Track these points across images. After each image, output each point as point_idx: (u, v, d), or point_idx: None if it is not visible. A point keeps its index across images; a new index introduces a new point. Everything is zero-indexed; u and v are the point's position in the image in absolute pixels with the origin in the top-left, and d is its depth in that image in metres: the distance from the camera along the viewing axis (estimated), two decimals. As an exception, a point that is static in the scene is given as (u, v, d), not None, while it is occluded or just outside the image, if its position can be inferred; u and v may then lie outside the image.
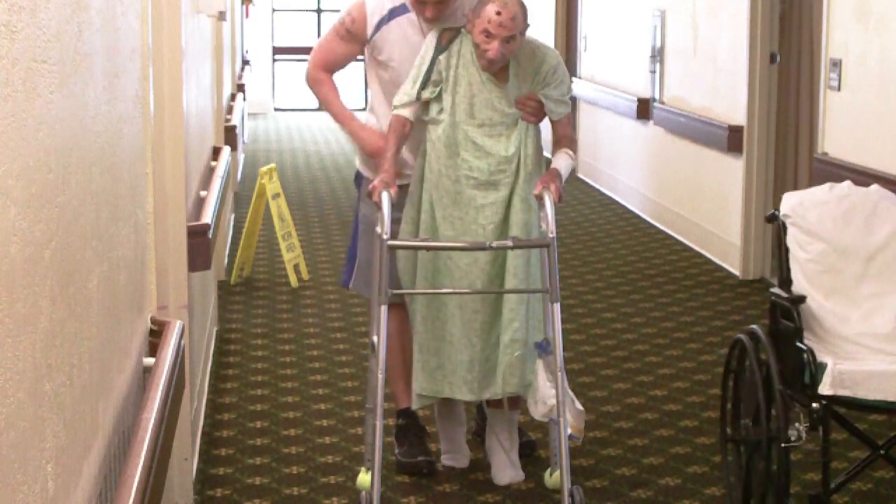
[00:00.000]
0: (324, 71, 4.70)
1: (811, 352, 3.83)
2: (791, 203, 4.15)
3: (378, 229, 4.14)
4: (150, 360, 3.10)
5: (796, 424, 3.80)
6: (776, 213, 4.20)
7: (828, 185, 4.23)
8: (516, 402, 4.50)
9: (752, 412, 4.05)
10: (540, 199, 4.18)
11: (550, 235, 4.12)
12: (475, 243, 4.20)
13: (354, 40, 4.63)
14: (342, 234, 9.10)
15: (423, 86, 4.30)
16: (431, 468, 4.65)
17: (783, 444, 3.78)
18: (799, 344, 3.89)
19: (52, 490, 1.93)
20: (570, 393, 4.25)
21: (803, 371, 3.87)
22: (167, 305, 3.99)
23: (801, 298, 3.97)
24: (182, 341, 3.25)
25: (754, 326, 4.16)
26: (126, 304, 2.88)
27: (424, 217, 4.35)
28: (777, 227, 4.18)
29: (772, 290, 4.16)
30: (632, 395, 5.61)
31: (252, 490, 4.56)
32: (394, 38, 4.53)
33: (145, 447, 2.49)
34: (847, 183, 4.24)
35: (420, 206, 4.37)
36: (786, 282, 4.12)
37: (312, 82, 4.75)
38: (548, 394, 4.23)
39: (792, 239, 4.12)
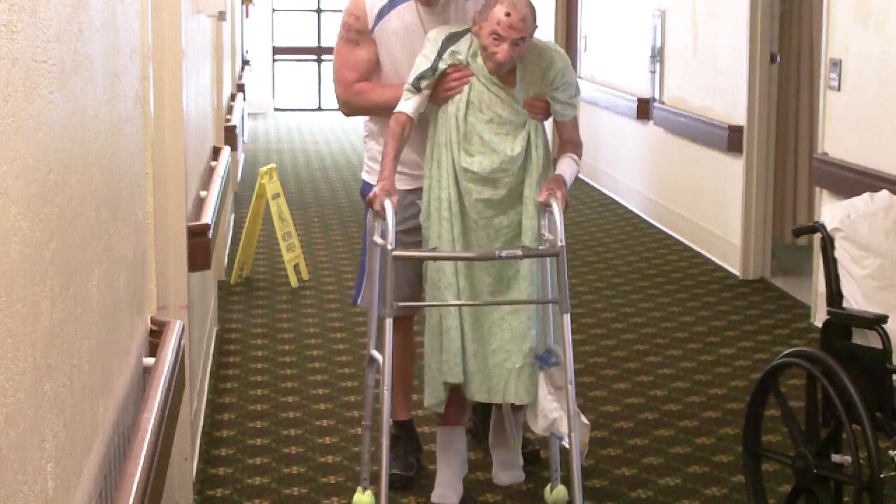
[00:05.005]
0: (355, 83, 4.45)
1: None
2: (838, 215, 3.96)
3: (378, 239, 4.03)
4: (150, 360, 3.10)
5: (890, 452, 3.69)
6: (816, 224, 4.02)
7: (866, 194, 4.04)
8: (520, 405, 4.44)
9: (816, 441, 3.87)
10: (546, 206, 4.07)
11: (560, 244, 4.00)
12: (484, 253, 4.06)
13: (368, 39, 4.42)
14: (342, 234, 9.11)
15: (425, 77, 4.14)
16: (404, 482, 4.56)
17: (882, 476, 3.60)
18: (890, 366, 3.70)
19: (52, 490, 1.93)
20: (575, 407, 4.15)
21: (892, 396, 3.69)
22: (167, 305, 3.98)
23: (884, 318, 3.75)
24: (182, 341, 3.25)
25: (807, 349, 4.00)
26: (126, 304, 2.88)
27: (445, 225, 4.17)
28: (823, 241, 3.99)
29: (829, 308, 3.95)
30: (632, 395, 5.61)
31: (252, 490, 4.56)
32: (393, 28, 4.38)
33: (145, 447, 2.49)
34: (884, 192, 4.06)
35: (437, 215, 4.20)
36: (836, 297, 3.94)
37: (350, 97, 4.46)
38: (549, 407, 4.11)
39: (844, 254, 3.92)
